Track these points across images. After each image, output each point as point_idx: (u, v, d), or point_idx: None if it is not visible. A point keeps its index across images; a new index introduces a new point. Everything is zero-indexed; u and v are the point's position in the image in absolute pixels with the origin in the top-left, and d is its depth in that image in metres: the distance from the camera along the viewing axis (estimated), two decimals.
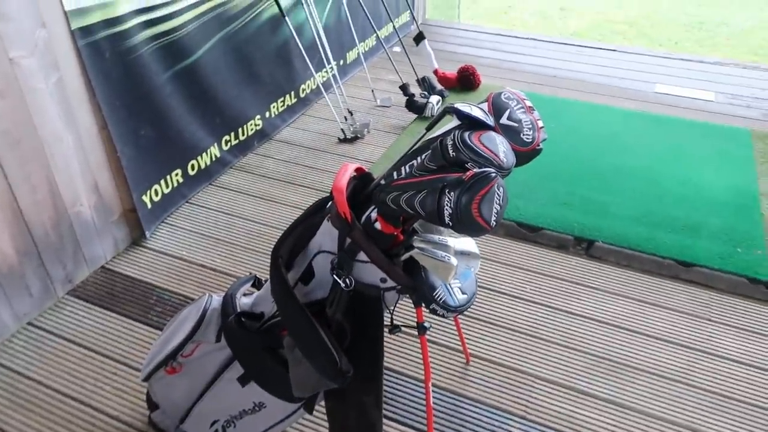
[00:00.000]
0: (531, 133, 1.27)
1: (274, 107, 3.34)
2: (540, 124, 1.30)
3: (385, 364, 1.99)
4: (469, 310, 2.15)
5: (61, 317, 2.19)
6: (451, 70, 3.91)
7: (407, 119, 3.56)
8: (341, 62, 3.93)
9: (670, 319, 2.22)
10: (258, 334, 1.40)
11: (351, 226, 1.21)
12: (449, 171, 1.13)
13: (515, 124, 1.27)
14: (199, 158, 2.83)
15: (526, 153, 1.28)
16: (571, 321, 2.20)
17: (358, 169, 1.32)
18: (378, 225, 1.24)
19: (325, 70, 3.57)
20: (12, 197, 1.99)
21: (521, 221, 2.66)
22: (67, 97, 2.07)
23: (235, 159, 3.10)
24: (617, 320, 2.21)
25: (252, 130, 3.18)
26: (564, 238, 2.60)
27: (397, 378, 1.96)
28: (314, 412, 1.60)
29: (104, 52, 2.15)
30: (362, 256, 1.23)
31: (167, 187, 2.67)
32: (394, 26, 4.34)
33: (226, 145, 3.02)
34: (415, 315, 1.40)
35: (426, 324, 1.39)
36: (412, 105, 3.50)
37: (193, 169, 2.81)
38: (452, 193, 1.07)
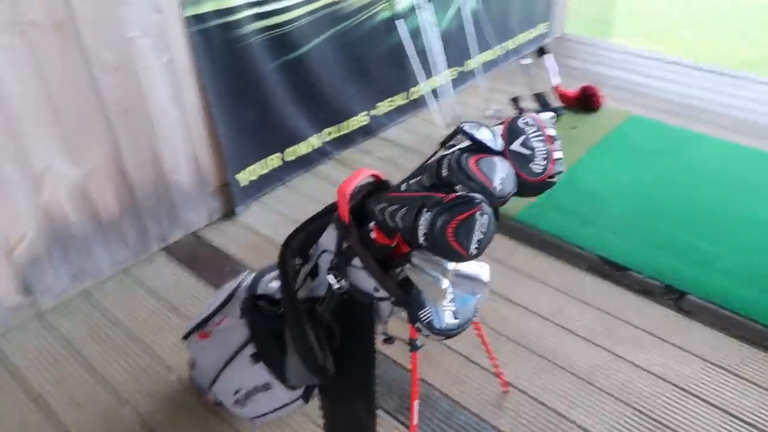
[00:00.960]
0: (543, 163, 1.18)
1: (381, 106, 3.41)
2: (557, 155, 1.20)
3: (421, 376, 1.96)
4: (524, 340, 2.07)
5: (150, 269, 2.44)
6: (576, 89, 3.71)
7: None
8: (459, 68, 3.89)
9: (763, 400, 1.93)
10: (272, 319, 1.46)
11: (348, 229, 1.21)
12: (439, 191, 1.09)
13: (527, 152, 1.19)
14: (297, 146, 2.97)
15: (535, 183, 1.19)
16: (634, 374, 2.00)
17: (375, 176, 1.31)
18: (373, 234, 1.23)
19: (441, 75, 3.56)
20: (119, 157, 2.24)
21: (607, 257, 2.46)
22: (176, 76, 2.29)
23: (335, 151, 3.21)
24: (692, 387, 1.96)
25: (356, 125, 3.27)
26: (652, 283, 2.36)
27: (430, 392, 1.92)
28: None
29: (214, 39, 2.34)
30: (358, 261, 1.23)
31: (264, 168, 2.84)
32: (526, 38, 4.20)
33: (328, 136, 3.14)
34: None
35: (419, 342, 1.35)
36: None
37: (291, 155, 2.96)
38: (429, 213, 1.03)
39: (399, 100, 3.51)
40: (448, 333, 1.23)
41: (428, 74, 3.44)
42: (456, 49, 3.68)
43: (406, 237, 1.11)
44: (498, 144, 1.19)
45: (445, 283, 1.13)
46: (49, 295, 2.22)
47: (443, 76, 3.49)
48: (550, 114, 3.62)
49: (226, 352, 1.66)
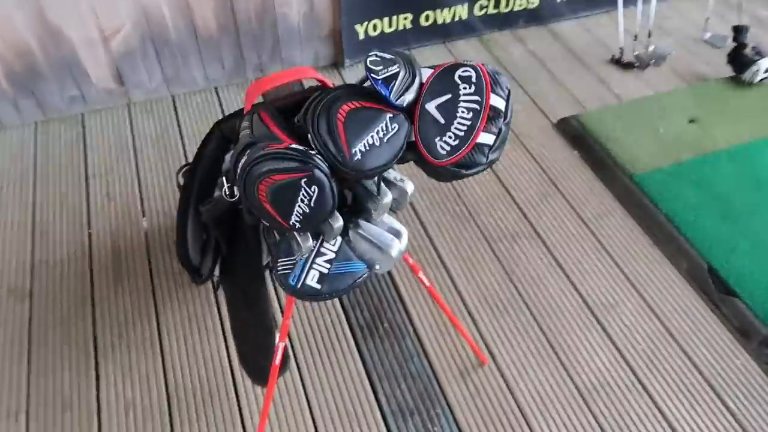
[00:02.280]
0: (454, 143, 0.80)
1: None
2: (483, 138, 0.80)
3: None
4: (547, 321, 1.72)
5: (239, 95, 2.45)
6: None
7: (719, 72, 2.61)
8: None
9: None
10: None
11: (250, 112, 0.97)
12: (287, 133, 0.80)
13: (442, 120, 0.80)
14: (438, 11, 2.60)
15: (434, 167, 0.82)
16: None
17: (321, 81, 1.04)
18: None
19: None
20: None
21: (719, 272, 1.85)
22: None
23: (484, 29, 2.76)
24: None
25: (521, 6, 2.74)
26: (756, 325, 1.75)
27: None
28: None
29: None
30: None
31: (390, 26, 2.56)
32: None
33: (481, 10, 2.68)
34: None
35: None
36: (734, 57, 2.53)
37: (426, 20, 2.61)
38: (244, 159, 0.77)
39: None
40: (300, 295, 1.00)
41: None
42: None
43: (229, 181, 0.87)
44: (400, 95, 0.84)
45: (308, 242, 0.89)
46: (140, 90, 2.35)
47: None
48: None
49: None
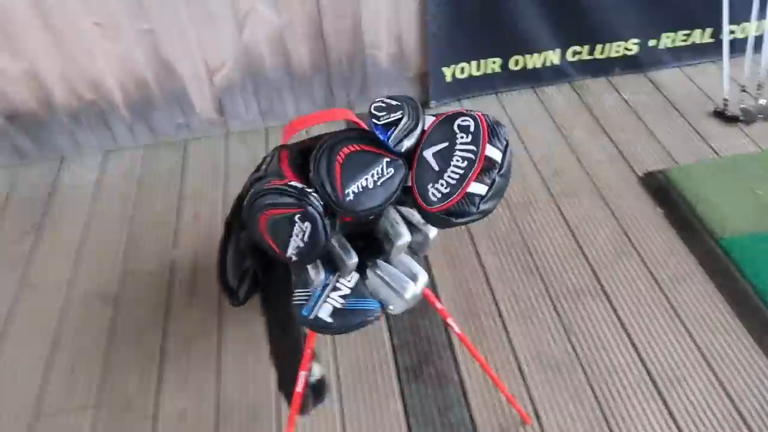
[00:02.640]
0: (445, 190, 0.80)
1: (668, 37, 2.65)
2: (474, 188, 0.79)
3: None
4: (599, 382, 1.63)
5: (327, 130, 2.57)
6: None
7: None
8: None
9: None
10: None
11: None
12: (296, 171, 0.85)
13: (437, 167, 0.80)
14: (528, 56, 2.59)
15: (427, 213, 0.82)
16: None
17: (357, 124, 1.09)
18: None
19: None
20: (319, 18, 2.30)
21: None
22: None
23: (576, 76, 2.70)
24: None
25: (618, 53, 2.65)
26: None
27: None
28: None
29: None
30: None
31: (478, 70, 2.59)
32: None
33: (574, 56, 2.63)
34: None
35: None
36: None
37: (516, 64, 2.60)
38: (252, 191, 0.83)
39: (699, 36, 2.68)
40: (311, 326, 1.03)
41: (762, 13, 2.51)
42: None
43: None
44: (399, 141, 0.87)
45: (352, 260, 0.95)
46: (238, 121, 2.55)
47: None
48: None
49: None
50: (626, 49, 2.65)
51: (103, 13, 2.13)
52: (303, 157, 1.02)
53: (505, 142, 0.93)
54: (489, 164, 0.90)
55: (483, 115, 0.96)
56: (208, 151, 2.51)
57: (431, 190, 0.90)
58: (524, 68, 2.63)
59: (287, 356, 1.33)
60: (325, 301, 1.04)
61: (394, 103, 0.99)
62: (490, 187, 0.90)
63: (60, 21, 2.11)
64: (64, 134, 2.43)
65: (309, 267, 1.02)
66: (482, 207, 0.90)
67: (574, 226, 2.08)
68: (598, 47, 2.62)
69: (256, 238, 0.92)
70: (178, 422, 1.63)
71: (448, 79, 2.57)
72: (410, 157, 0.98)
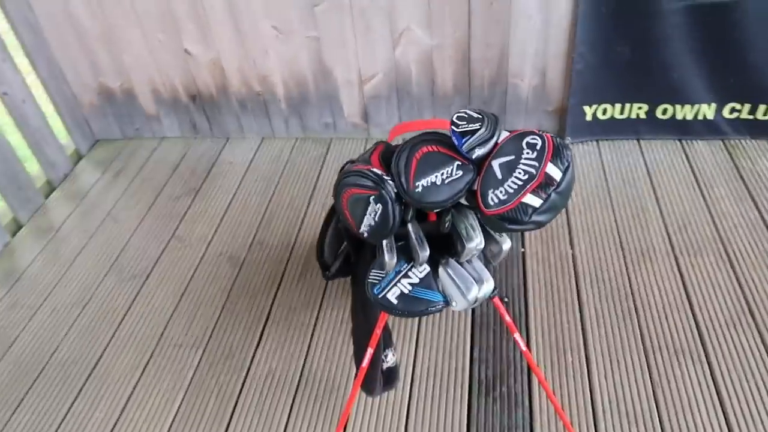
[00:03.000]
0: (502, 197, 0.85)
1: None
2: (528, 199, 0.83)
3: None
4: None
5: None
6: None
7: None
8: None
9: None
10: None
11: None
12: (380, 161, 0.97)
13: (500, 175, 0.86)
14: (678, 107, 2.49)
15: (484, 214, 0.87)
16: None
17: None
18: None
19: None
20: (467, 45, 2.44)
21: None
22: None
23: (731, 134, 2.53)
24: None
25: None
26: None
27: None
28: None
29: None
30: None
31: (621, 113, 2.54)
32: None
33: (731, 113, 2.48)
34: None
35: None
36: None
37: (664, 113, 2.52)
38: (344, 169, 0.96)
39: None
40: (377, 304, 1.14)
41: None
42: None
43: None
44: (472, 148, 0.95)
45: (424, 252, 1.06)
46: (378, 129, 2.76)
47: None
48: None
49: None
50: None
51: (280, 19, 2.45)
52: (392, 153, 1.16)
53: (567, 164, 0.99)
54: (548, 180, 0.96)
55: (552, 136, 1.02)
56: (347, 151, 2.74)
57: (491, 195, 0.99)
58: (672, 118, 2.53)
59: (363, 334, 1.46)
60: (395, 285, 1.16)
61: (475, 115, 1.09)
62: (545, 201, 0.97)
63: (246, 22, 2.47)
64: (232, 117, 2.81)
65: (386, 252, 1.13)
66: (535, 218, 0.96)
67: (690, 284, 1.97)
68: (762, 107, 2.45)
69: (339, 213, 1.06)
70: (265, 379, 1.83)
71: (588, 117, 2.56)
72: (480, 164, 1.07)
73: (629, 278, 2.02)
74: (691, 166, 2.46)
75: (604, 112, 2.55)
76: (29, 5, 2.54)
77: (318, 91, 2.66)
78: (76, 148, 2.91)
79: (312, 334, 1.94)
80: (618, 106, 2.53)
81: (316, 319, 1.99)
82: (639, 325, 1.86)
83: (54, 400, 1.84)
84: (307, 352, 1.89)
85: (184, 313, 2.06)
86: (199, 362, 1.90)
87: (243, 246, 2.30)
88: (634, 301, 1.94)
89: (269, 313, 2.03)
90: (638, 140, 2.63)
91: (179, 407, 1.78)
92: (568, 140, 2.63)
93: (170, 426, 1.73)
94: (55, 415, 1.80)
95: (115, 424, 1.75)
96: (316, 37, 2.49)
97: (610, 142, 2.64)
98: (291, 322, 1.99)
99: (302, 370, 1.84)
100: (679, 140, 2.60)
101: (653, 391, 1.69)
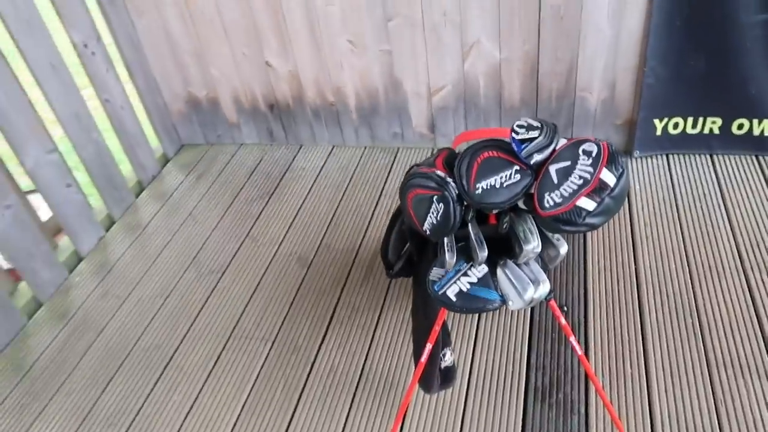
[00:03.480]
0: (558, 200, 0.89)
1: None
2: (582, 203, 0.87)
3: None
4: None
5: None
6: None
7: None
8: None
9: None
10: None
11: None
12: (443, 165, 1.04)
13: (557, 180, 0.90)
14: (756, 121, 2.42)
15: (540, 216, 0.91)
16: None
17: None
18: None
19: None
20: (536, 59, 2.47)
21: None
22: None
23: None
24: None
25: None
26: None
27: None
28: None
29: None
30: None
31: (694, 127, 2.50)
32: None
33: None
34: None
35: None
36: None
37: (739, 128, 2.45)
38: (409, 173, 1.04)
39: None
40: (436, 300, 1.20)
41: None
42: None
43: None
44: (531, 154, 1.01)
45: (482, 253, 1.12)
46: (444, 139, 2.83)
47: None
48: None
49: None
50: None
51: (355, 33, 2.58)
52: (455, 157, 1.23)
53: (621, 170, 1.03)
54: (602, 185, 1.01)
55: (607, 144, 1.06)
56: (414, 160, 2.83)
57: (547, 198, 1.05)
58: (749, 133, 2.46)
59: (423, 332, 1.53)
60: (454, 283, 1.23)
61: (535, 124, 1.14)
62: (599, 205, 1.01)
63: (323, 35, 2.62)
64: (306, 126, 2.97)
65: (447, 252, 1.20)
66: (588, 220, 1.01)
67: (759, 302, 1.92)
68: None
69: (404, 211, 1.15)
70: (328, 373, 1.93)
71: (658, 132, 2.53)
72: (538, 170, 1.13)
73: (694, 292, 1.99)
74: (766, 183, 2.39)
75: (675, 126, 2.51)
76: (132, 23, 2.79)
77: (388, 102, 2.77)
78: (163, 152, 3.15)
79: (373, 335, 2.02)
80: (690, 119, 2.49)
81: (378, 319, 2.07)
82: (703, 340, 1.83)
83: (138, 382, 2.01)
84: (368, 350, 1.98)
85: (256, 308, 2.20)
86: (267, 354, 2.02)
87: (311, 248, 2.43)
88: (698, 315, 1.91)
89: (333, 312, 2.13)
90: (711, 155, 2.57)
91: (248, 396, 1.91)
92: (636, 153, 2.61)
93: (239, 413, 1.86)
94: (138, 396, 1.97)
95: (191, 408, 1.90)
96: (388, 51, 2.60)
97: (680, 156, 2.60)
98: (354, 321, 2.08)
99: (363, 367, 1.93)
100: (756, 156, 2.52)
101: (716, 407, 1.66)
